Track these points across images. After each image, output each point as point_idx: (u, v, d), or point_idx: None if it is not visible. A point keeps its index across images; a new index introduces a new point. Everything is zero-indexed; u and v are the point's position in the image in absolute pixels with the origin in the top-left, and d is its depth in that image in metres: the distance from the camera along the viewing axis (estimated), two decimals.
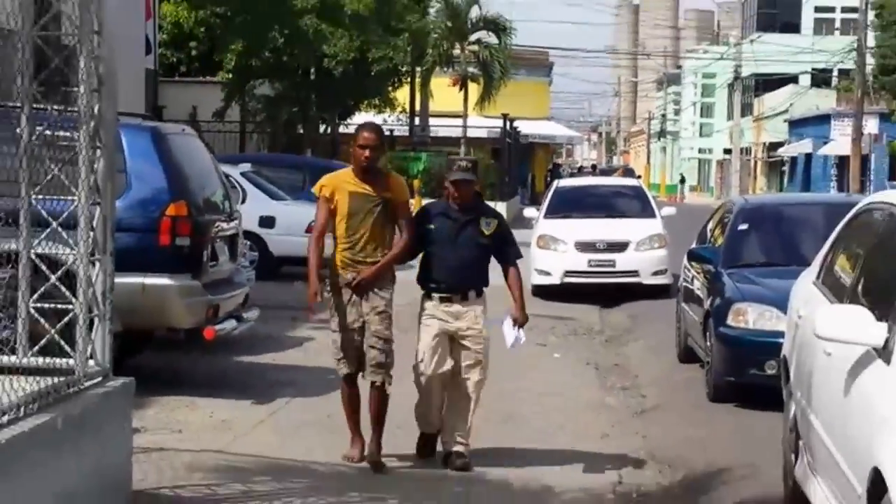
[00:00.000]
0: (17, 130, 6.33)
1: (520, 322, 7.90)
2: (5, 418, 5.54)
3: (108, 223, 6.62)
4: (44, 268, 6.47)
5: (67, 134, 6.53)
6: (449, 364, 7.58)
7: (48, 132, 6.51)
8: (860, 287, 6.61)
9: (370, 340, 7.48)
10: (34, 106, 6.37)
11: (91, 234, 6.47)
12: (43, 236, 6.49)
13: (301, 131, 36.92)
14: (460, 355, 7.65)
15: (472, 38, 46.95)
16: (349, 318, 7.55)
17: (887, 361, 5.40)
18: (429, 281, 7.74)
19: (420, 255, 7.92)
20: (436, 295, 7.67)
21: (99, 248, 6.53)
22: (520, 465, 8.11)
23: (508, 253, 7.93)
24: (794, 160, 62.74)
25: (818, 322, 6.02)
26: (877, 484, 5.00)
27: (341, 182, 7.73)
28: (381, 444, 7.62)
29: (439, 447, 8.11)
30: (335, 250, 7.70)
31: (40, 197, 6.46)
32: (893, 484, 4.77)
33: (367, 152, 7.64)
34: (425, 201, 12.83)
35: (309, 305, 7.98)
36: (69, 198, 6.48)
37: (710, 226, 14.36)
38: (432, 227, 7.75)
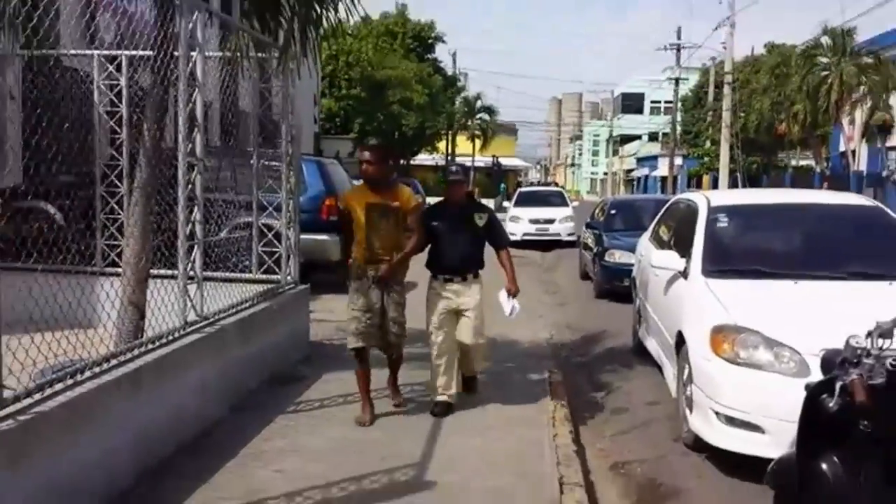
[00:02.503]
0: (251, 161, 6.37)
1: (513, 293, 5.34)
2: (250, 304, 5.64)
3: (296, 208, 6.60)
4: (265, 230, 6.49)
5: (276, 163, 6.51)
6: (453, 332, 5.25)
7: (266, 162, 6.52)
8: (672, 242, 6.61)
9: (390, 325, 5.01)
10: (259, 150, 6.39)
11: (288, 213, 6.48)
12: (265, 214, 6.49)
13: (391, 163, 36.84)
14: (462, 325, 5.24)
15: (477, 116, 46.65)
16: (372, 301, 5.00)
17: (685, 278, 5.50)
18: (435, 266, 5.28)
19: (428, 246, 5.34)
20: (441, 276, 5.24)
21: (291, 220, 6.53)
22: (496, 330, 7.34)
23: (498, 239, 5.42)
24: (639, 179, 61.87)
25: (653, 258, 6.13)
26: (680, 339, 5.10)
27: (357, 195, 5.11)
28: (400, 396, 5.33)
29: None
30: (357, 249, 5.15)
31: (263, 194, 6.48)
32: (689, 339, 4.89)
33: (368, 167, 4.95)
34: None
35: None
36: (277, 195, 6.48)
37: (596, 211, 14.20)
38: (436, 224, 5.20)
